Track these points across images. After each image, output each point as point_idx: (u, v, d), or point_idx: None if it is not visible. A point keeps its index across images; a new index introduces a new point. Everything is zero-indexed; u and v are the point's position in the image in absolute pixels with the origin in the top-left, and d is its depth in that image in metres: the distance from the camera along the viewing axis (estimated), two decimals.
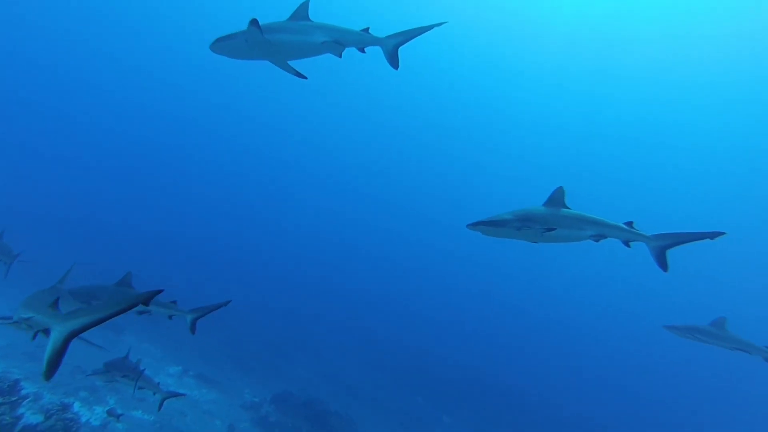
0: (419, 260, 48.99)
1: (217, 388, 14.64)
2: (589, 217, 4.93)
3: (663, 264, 4.95)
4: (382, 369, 22.89)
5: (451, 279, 45.88)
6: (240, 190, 54.13)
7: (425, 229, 51.67)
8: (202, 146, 56.63)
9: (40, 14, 49.53)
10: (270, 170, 58.36)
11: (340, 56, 5.34)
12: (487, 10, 45.00)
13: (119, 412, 9.45)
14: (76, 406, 9.48)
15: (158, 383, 7.15)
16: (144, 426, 10.04)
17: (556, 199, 4.95)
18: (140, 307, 4.27)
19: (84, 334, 2.69)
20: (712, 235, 4.51)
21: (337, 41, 5.19)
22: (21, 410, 7.36)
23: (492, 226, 4.54)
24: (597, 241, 4.89)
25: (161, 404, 7.08)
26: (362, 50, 5.51)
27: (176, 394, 7.78)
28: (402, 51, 5.72)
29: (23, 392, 7.73)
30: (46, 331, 2.70)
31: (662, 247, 4.94)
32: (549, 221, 4.67)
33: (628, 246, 5.06)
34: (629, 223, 5.02)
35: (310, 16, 5.32)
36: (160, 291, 2.69)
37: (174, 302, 5.36)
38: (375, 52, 5.78)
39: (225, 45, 5.00)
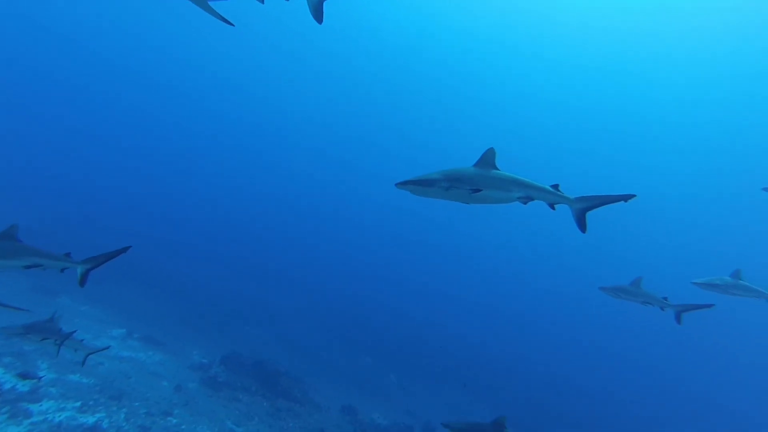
0: (370, 229, 49.72)
1: (165, 350, 14.21)
2: (517, 178, 4.88)
3: (582, 225, 5.02)
4: (333, 331, 23.22)
5: (399, 245, 46.85)
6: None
7: (377, 200, 51.87)
8: (165, 134, 56.85)
9: (48, 18, 48.89)
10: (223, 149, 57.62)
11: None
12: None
13: (43, 375, 8.95)
14: None
15: (82, 341, 6.76)
16: (81, 389, 9.55)
17: (487, 160, 4.86)
18: (30, 261, 3.91)
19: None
20: (626, 198, 4.66)
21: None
22: None
23: (420, 185, 4.42)
24: (525, 203, 4.85)
25: (84, 360, 6.76)
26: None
27: (99, 350, 7.42)
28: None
29: None
30: None
31: (583, 209, 5.01)
32: (477, 182, 4.57)
33: (553, 208, 5.08)
34: (555, 186, 5.01)
35: None
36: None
37: (68, 254, 4.82)
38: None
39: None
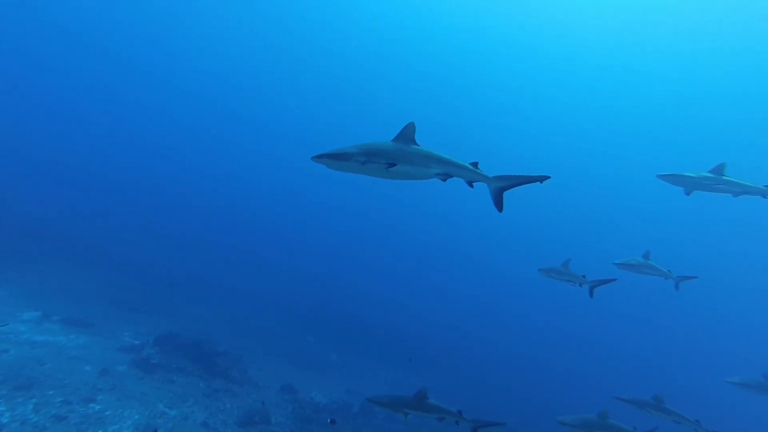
0: (318, 207, 49.08)
1: (91, 332, 13.10)
2: (436, 154, 4.76)
3: (499, 204, 4.98)
4: (277, 311, 22.77)
5: (346, 223, 46.68)
6: None
7: (327, 179, 51.21)
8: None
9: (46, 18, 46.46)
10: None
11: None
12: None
13: None
14: None
15: None
16: None
17: (406, 135, 4.71)
18: None
19: None
20: (541, 179, 4.75)
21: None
22: None
23: (336, 159, 4.27)
24: (444, 180, 4.80)
25: None
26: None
27: None
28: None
29: None
30: None
31: (500, 188, 5.00)
32: (394, 156, 4.43)
33: (471, 186, 5.07)
34: (474, 164, 5.00)
35: None
36: None
37: None
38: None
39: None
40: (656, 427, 7.03)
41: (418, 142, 4.79)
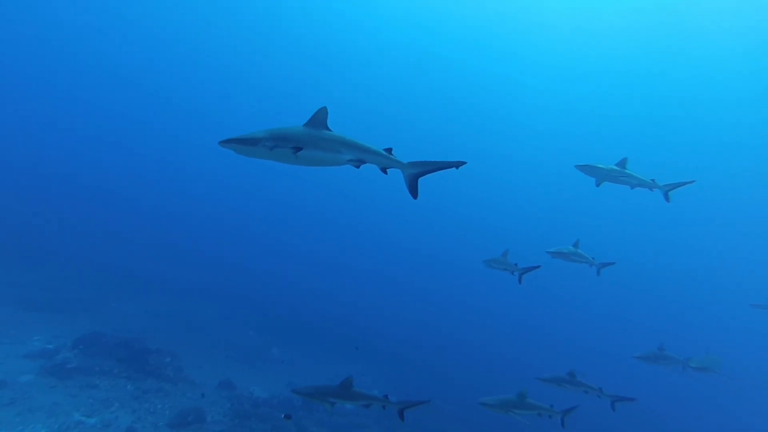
0: (259, 198, 47.62)
1: None
2: (348, 140, 4.65)
3: (414, 191, 4.99)
4: (217, 305, 21.75)
5: (289, 216, 45.63)
6: None
7: (267, 171, 49.77)
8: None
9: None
10: None
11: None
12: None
13: None
14: None
15: None
16: None
17: (318, 119, 4.57)
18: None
19: None
20: (457, 164, 4.77)
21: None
22: None
23: (244, 144, 4.08)
24: (357, 166, 4.72)
25: None
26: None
27: None
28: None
29: None
30: None
31: (415, 174, 4.96)
32: (304, 141, 4.29)
33: (385, 173, 5.00)
34: (388, 150, 4.93)
35: None
36: None
37: None
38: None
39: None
40: (576, 406, 7.53)
41: (330, 127, 4.67)
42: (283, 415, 11.56)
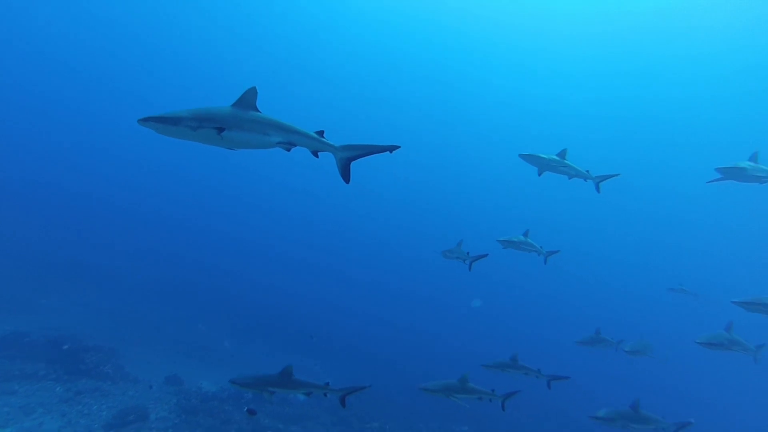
0: (205, 190, 45.64)
1: None
2: (277, 121, 4.44)
3: (346, 176, 4.88)
4: (163, 298, 20.65)
5: (230, 214, 43.95)
6: None
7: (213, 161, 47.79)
8: None
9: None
10: None
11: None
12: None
13: None
14: None
15: None
16: None
17: (246, 100, 4.33)
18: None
19: None
20: (391, 148, 4.67)
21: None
22: None
23: (164, 122, 3.79)
24: (288, 149, 4.55)
25: None
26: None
27: None
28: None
29: None
30: None
31: (348, 158, 4.82)
32: (229, 122, 4.04)
33: (317, 156, 4.84)
34: (320, 133, 4.76)
35: None
36: None
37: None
38: None
39: None
40: (518, 391, 7.71)
41: (260, 109, 4.42)
42: (246, 409, 11.24)
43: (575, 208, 44.42)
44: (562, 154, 8.89)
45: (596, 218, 45.38)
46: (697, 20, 37.04)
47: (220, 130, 3.94)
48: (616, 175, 9.20)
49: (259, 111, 4.39)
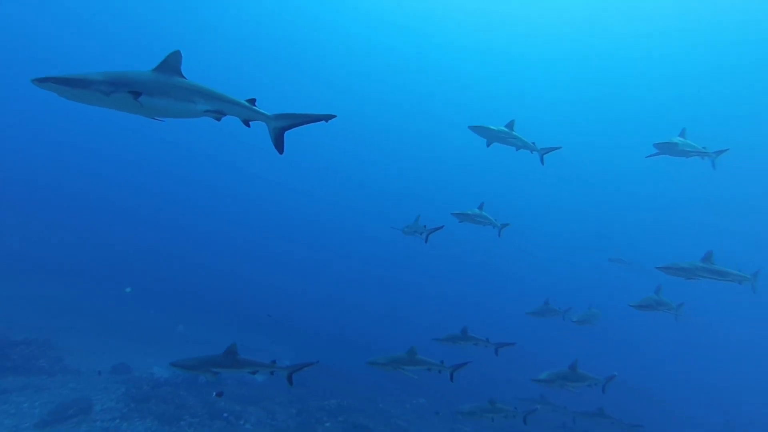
0: (153, 174, 43.06)
1: None
2: (203, 88, 4.11)
3: (279, 146, 4.62)
4: (110, 286, 19.37)
5: (184, 199, 41.84)
6: None
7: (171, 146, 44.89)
8: None
9: None
10: None
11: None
12: None
13: None
14: None
15: None
16: None
17: (170, 65, 3.92)
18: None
19: None
20: (326, 118, 4.47)
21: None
22: None
23: (68, 85, 3.24)
24: (217, 119, 4.23)
25: None
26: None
27: None
28: None
29: None
30: None
31: (281, 127, 4.57)
32: (148, 87, 3.62)
33: (248, 125, 4.57)
34: (251, 101, 4.49)
35: None
36: None
37: None
38: None
39: None
40: (468, 362, 7.79)
41: (185, 75, 4.04)
42: (215, 394, 10.85)
43: (524, 184, 45.43)
44: (510, 125, 8.88)
45: (545, 193, 46.90)
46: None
47: (137, 95, 3.51)
48: (558, 148, 9.43)
49: (184, 77, 4.03)
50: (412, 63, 53.08)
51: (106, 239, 25.46)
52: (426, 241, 10.46)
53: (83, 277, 19.51)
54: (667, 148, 8.96)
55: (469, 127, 8.46)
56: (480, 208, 10.47)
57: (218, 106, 4.17)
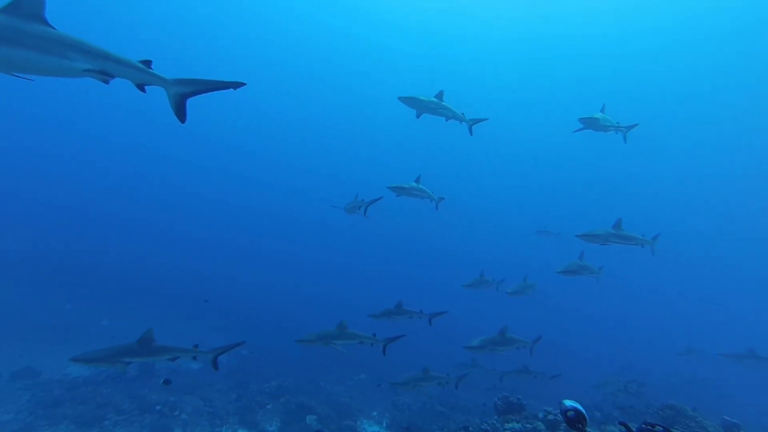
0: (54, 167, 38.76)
1: None
2: (83, 43, 3.31)
3: (181, 114, 4.11)
4: (16, 282, 17.10)
5: (111, 189, 38.13)
6: None
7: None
8: None
9: None
10: None
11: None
12: None
13: None
14: None
15: None
16: None
17: (26, 7, 3.08)
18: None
19: None
20: (235, 85, 4.01)
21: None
22: None
23: None
24: (105, 81, 3.55)
25: None
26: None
27: None
28: None
29: None
30: None
31: (182, 94, 4.04)
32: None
33: (143, 90, 3.93)
34: (147, 63, 3.90)
35: None
36: None
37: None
38: None
39: None
40: (403, 335, 7.74)
41: (53, 25, 3.17)
42: (162, 381, 9.93)
43: (457, 157, 46.29)
44: (439, 95, 8.75)
45: (479, 169, 48.30)
46: None
47: None
48: (486, 119, 9.54)
49: (52, 27, 3.17)
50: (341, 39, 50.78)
51: (11, 229, 22.36)
52: (365, 215, 10.30)
53: None
54: (590, 123, 9.40)
55: (399, 98, 8.23)
56: (417, 181, 10.27)
57: (102, 66, 3.44)
